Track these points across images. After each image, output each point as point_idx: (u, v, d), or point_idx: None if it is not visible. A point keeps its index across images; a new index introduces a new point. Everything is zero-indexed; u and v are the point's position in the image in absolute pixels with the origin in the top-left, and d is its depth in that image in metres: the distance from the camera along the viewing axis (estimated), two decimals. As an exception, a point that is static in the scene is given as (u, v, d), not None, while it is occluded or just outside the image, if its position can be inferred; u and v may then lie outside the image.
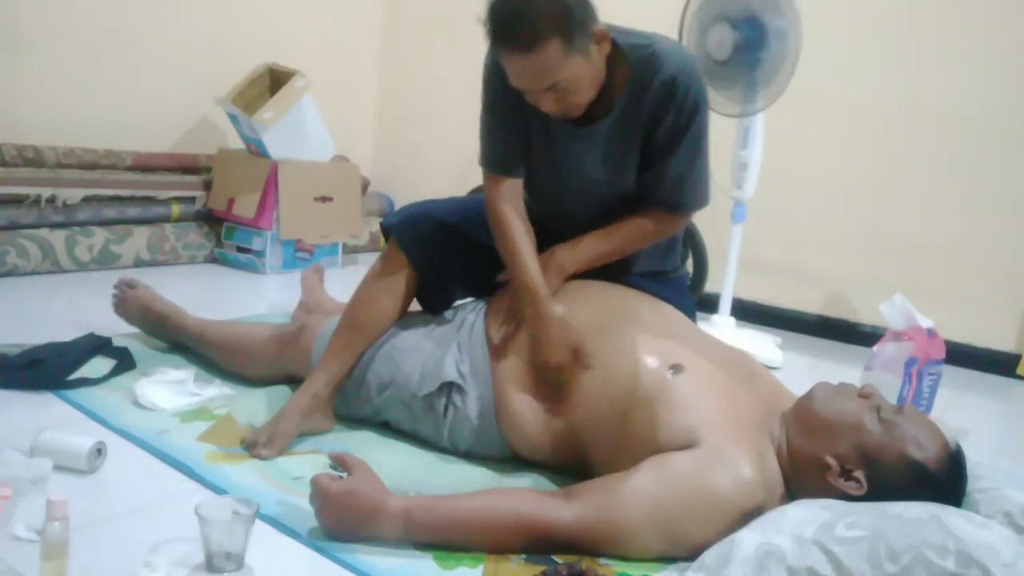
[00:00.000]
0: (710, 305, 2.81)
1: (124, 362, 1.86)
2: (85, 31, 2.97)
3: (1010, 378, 2.72)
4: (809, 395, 1.36)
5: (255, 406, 1.71)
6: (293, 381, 1.76)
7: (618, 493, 1.24)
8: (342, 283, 2.80)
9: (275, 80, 3.26)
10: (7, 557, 1.08)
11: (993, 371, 2.75)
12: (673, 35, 1.77)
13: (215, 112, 3.34)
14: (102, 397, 1.70)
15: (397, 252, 1.66)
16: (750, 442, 1.29)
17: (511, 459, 1.57)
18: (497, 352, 1.59)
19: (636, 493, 1.23)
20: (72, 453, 1.36)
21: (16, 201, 2.70)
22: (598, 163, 1.62)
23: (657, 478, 1.24)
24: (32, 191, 2.71)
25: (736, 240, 2.68)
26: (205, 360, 1.95)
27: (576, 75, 1.44)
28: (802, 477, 1.30)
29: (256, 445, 1.51)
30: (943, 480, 1.23)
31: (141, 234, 3.00)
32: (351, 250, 3.63)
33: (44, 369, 1.73)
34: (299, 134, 3.19)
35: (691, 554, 1.19)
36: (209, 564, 1.11)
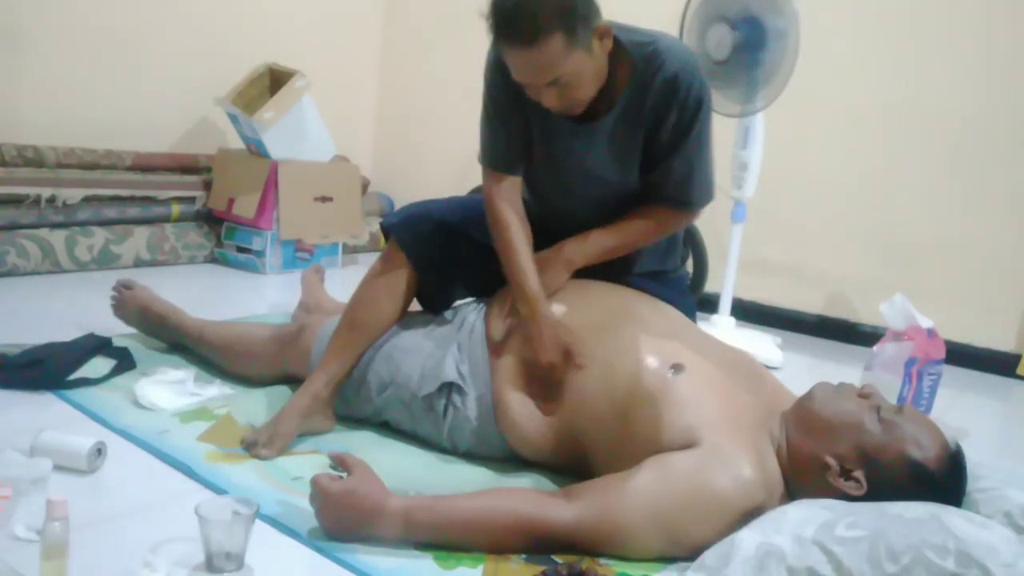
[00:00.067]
0: (710, 305, 2.81)
1: (124, 362, 1.86)
2: (85, 31, 2.97)
3: (1010, 378, 2.72)
4: (809, 395, 1.36)
5: (255, 406, 1.71)
6: (293, 381, 1.76)
7: (618, 493, 1.24)
8: (342, 283, 2.80)
9: (275, 80, 3.26)
10: (7, 557, 1.08)
11: (993, 371, 2.75)
12: (674, 34, 1.77)
13: (215, 112, 3.34)
14: (102, 397, 1.70)
15: (397, 252, 1.66)
16: (750, 442, 1.29)
17: (511, 459, 1.57)
18: (496, 352, 1.59)
19: (636, 493, 1.23)
20: (72, 453, 1.36)
21: (16, 201, 2.70)
22: (599, 160, 1.62)
23: (657, 478, 1.24)
24: (32, 191, 2.71)
25: (736, 240, 2.68)
26: (205, 360, 1.95)
27: (578, 70, 1.44)
28: (802, 477, 1.30)
29: (256, 445, 1.51)
30: (943, 480, 1.23)
31: (141, 234, 3.00)
32: (351, 250, 3.63)
33: (44, 369, 1.73)
34: (299, 134, 3.19)
35: (691, 554, 1.19)
36: (209, 564, 1.11)
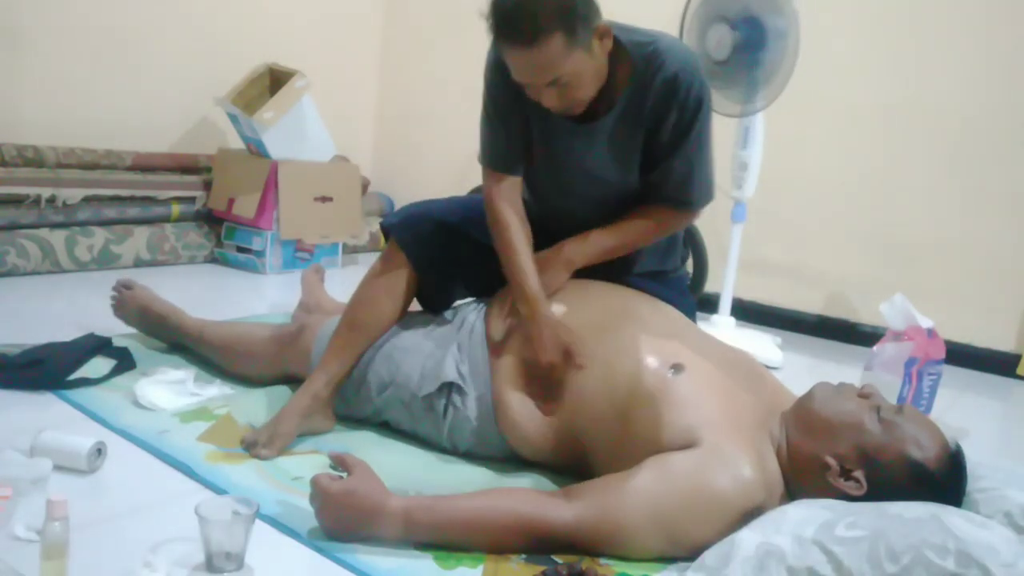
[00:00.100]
0: (710, 305, 2.81)
1: (124, 362, 1.86)
2: (85, 31, 2.97)
3: (1010, 378, 2.72)
4: (809, 395, 1.36)
5: (255, 406, 1.71)
6: (293, 381, 1.76)
7: (618, 493, 1.24)
8: (342, 283, 2.80)
9: (275, 80, 3.26)
10: (7, 557, 1.08)
11: (993, 371, 2.75)
12: (674, 34, 1.77)
13: (215, 112, 3.34)
14: (102, 397, 1.70)
15: (397, 252, 1.66)
16: (750, 442, 1.29)
17: (511, 459, 1.57)
18: (496, 352, 1.59)
19: (636, 493, 1.23)
20: (72, 453, 1.36)
21: (16, 201, 2.70)
22: (599, 160, 1.62)
23: (657, 478, 1.24)
24: (32, 191, 2.71)
25: (736, 240, 2.68)
26: (205, 360, 1.95)
27: (578, 70, 1.44)
28: (802, 477, 1.30)
29: (256, 445, 1.51)
30: (943, 480, 1.23)
31: (141, 234, 3.00)
32: (351, 250, 3.63)
33: (44, 369, 1.73)
34: (299, 134, 3.19)
35: (691, 554, 1.19)
36: (209, 564, 1.11)
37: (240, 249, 3.19)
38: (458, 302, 1.79)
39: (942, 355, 2.08)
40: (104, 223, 2.93)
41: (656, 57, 1.53)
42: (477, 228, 1.67)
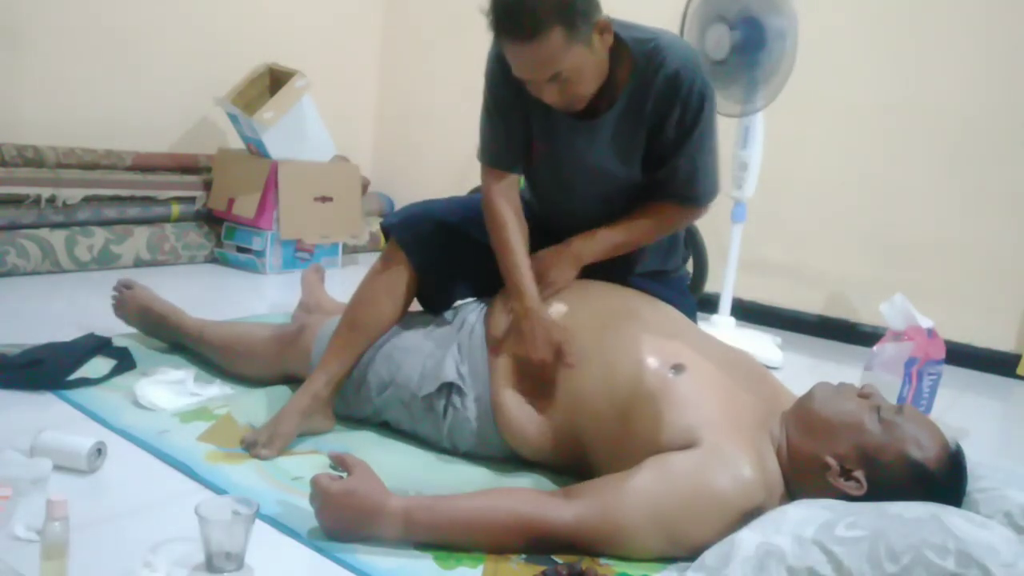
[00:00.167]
0: (710, 305, 2.81)
1: (124, 362, 1.86)
2: (85, 31, 2.97)
3: (1010, 378, 2.72)
4: (809, 395, 1.36)
5: (255, 406, 1.70)
6: (293, 381, 1.76)
7: (618, 493, 1.24)
8: (342, 283, 2.80)
9: (275, 80, 3.26)
10: (7, 557, 1.08)
11: (993, 371, 2.75)
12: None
13: (215, 112, 3.34)
14: (102, 397, 1.70)
15: (397, 252, 1.66)
16: (750, 442, 1.29)
17: (511, 459, 1.57)
18: (495, 352, 1.59)
19: (636, 493, 1.23)
20: (72, 453, 1.36)
21: (16, 201, 2.70)
22: (601, 157, 1.62)
23: (657, 478, 1.24)
24: (32, 191, 2.71)
25: (736, 240, 2.68)
26: (205, 360, 1.95)
27: (579, 65, 1.44)
28: (802, 477, 1.30)
29: (256, 445, 1.51)
30: (943, 480, 1.23)
31: (141, 234, 3.00)
32: (351, 250, 3.63)
33: (44, 369, 1.73)
34: (299, 134, 3.19)
35: (691, 554, 1.19)
36: (209, 564, 1.11)
37: (240, 249, 3.19)
38: (458, 302, 1.79)
39: (942, 355, 2.08)
40: (104, 223, 2.93)
41: (657, 54, 1.53)
42: (477, 228, 1.67)
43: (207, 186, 3.23)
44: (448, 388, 1.57)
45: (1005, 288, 2.73)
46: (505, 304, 1.63)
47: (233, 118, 3.20)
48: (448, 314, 1.73)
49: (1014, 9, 2.65)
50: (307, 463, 1.48)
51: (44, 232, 2.75)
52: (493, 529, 1.23)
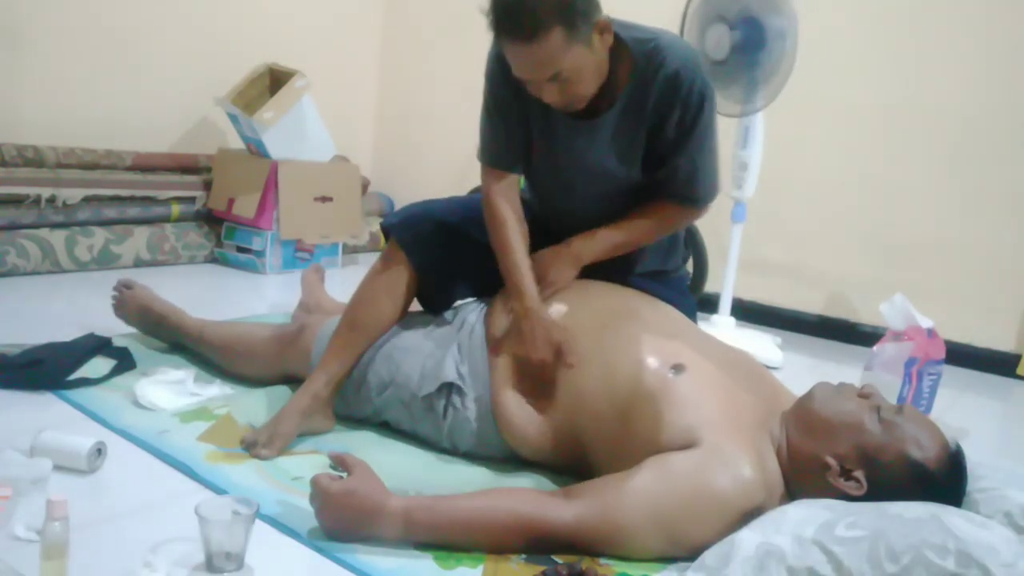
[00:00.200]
0: (710, 305, 2.81)
1: (124, 362, 1.86)
2: (85, 31, 2.97)
3: (1010, 378, 2.72)
4: (809, 395, 1.36)
5: (255, 406, 1.70)
6: (293, 381, 1.76)
7: (618, 493, 1.24)
8: (342, 283, 2.80)
9: (275, 80, 3.26)
10: (7, 557, 1.08)
11: (993, 371, 2.75)
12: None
13: (215, 112, 3.34)
14: (102, 397, 1.70)
15: (397, 252, 1.66)
16: (750, 442, 1.29)
17: (511, 459, 1.57)
18: (495, 352, 1.59)
19: (636, 493, 1.23)
20: (72, 453, 1.36)
21: (16, 201, 2.70)
22: (601, 157, 1.62)
23: (657, 478, 1.24)
24: (32, 191, 2.71)
25: (736, 240, 2.68)
26: (205, 360, 1.95)
27: (579, 65, 1.44)
28: (802, 477, 1.30)
29: (256, 445, 1.51)
30: (943, 480, 1.23)
31: (141, 234, 3.00)
32: (351, 250, 3.63)
33: (44, 369, 1.73)
34: (299, 134, 3.19)
35: (691, 554, 1.19)
36: (209, 564, 1.11)
37: (240, 249, 3.19)
38: (458, 302, 1.79)
39: (942, 355, 2.08)
40: (104, 223, 2.93)
41: (657, 54, 1.53)
42: (477, 228, 1.67)
43: (207, 186, 3.23)
44: (448, 388, 1.57)
45: (1005, 288, 2.73)
46: (505, 304, 1.63)
47: (233, 118, 3.20)
48: (448, 314, 1.73)
49: (1014, 9, 2.65)
50: (307, 463, 1.48)
51: (44, 232, 2.75)
52: (493, 529, 1.23)
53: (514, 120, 1.63)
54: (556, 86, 1.46)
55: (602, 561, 1.23)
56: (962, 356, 2.70)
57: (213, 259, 3.24)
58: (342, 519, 1.22)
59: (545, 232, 1.70)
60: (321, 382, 1.61)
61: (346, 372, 1.64)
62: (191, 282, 2.93)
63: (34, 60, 2.86)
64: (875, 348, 2.09)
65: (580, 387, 1.47)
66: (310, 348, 1.73)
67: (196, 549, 1.12)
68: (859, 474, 1.24)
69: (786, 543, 1.10)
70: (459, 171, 3.55)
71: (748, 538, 1.12)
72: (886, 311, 2.09)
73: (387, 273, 1.67)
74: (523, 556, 1.23)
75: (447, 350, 1.61)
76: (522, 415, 1.52)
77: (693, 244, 2.94)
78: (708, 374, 1.40)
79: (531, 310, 1.54)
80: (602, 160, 1.62)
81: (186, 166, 3.24)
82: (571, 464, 1.49)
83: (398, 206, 3.40)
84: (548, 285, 1.62)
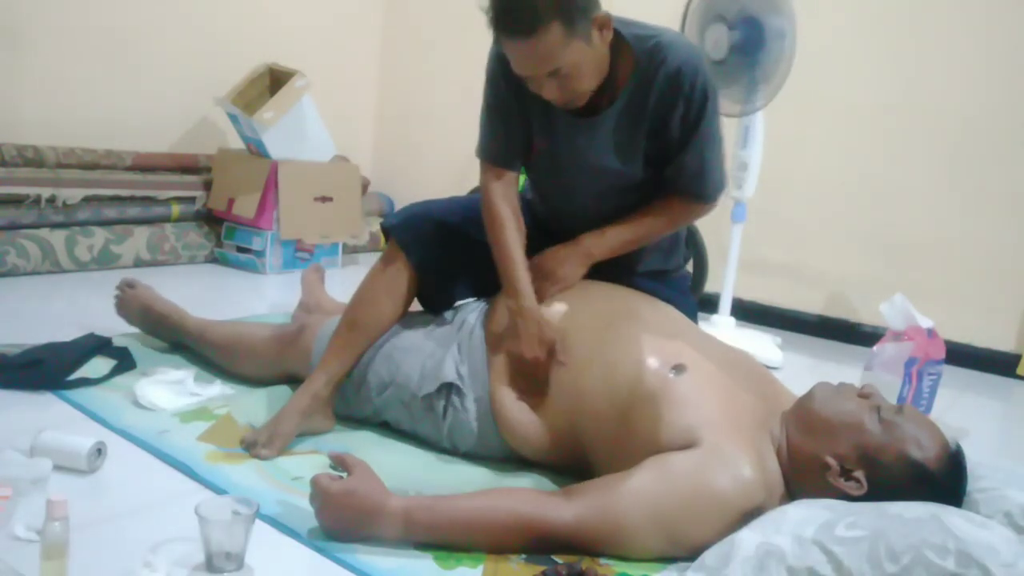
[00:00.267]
0: (710, 305, 2.81)
1: (124, 362, 1.86)
2: (85, 31, 2.97)
3: (1010, 378, 2.72)
4: (809, 395, 1.36)
5: (255, 406, 1.71)
6: (293, 381, 1.76)
7: (618, 493, 1.24)
8: (342, 283, 2.80)
9: (275, 80, 3.26)
10: (7, 557, 1.08)
11: (993, 371, 2.75)
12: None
13: (215, 112, 3.34)
14: (102, 397, 1.70)
15: (397, 252, 1.66)
16: (750, 442, 1.29)
17: (511, 459, 1.57)
18: (493, 351, 1.59)
19: (636, 493, 1.23)
20: (72, 453, 1.36)
21: (16, 201, 2.70)
22: (601, 155, 1.62)
23: (657, 478, 1.24)
24: (32, 191, 2.71)
25: (736, 240, 2.68)
26: (205, 360, 1.95)
27: (578, 60, 1.44)
28: (802, 477, 1.30)
29: (256, 445, 1.51)
30: (943, 480, 1.23)
31: (141, 234, 3.00)
32: (351, 250, 3.63)
33: (44, 369, 1.73)
34: (299, 134, 3.19)
35: (691, 554, 1.19)
36: (209, 564, 1.11)
37: (240, 249, 3.19)
38: (458, 302, 1.79)
39: (942, 355, 2.08)
40: (104, 223, 2.93)
41: (659, 51, 1.52)
42: (477, 228, 1.66)
43: (207, 186, 3.23)
44: (448, 388, 1.57)
45: (1005, 288, 2.73)
46: (504, 307, 1.63)
47: (233, 118, 3.20)
48: (448, 314, 1.73)
49: (1014, 9, 2.65)
50: (307, 463, 1.48)
51: (44, 232, 2.75)
52: (493, 529, 1.23)
53: (514, 119, 1.63)
54: (555, 82, 1.46)
55: (602, 561, 1.23)
56: (962, 356, 2.70)
57: (213, 259, 3.24)
58: (342, 519, 1.22)
59: (546, 232, 1.70)
60: (321, 382, 1.61)
61: (346, 372, 1.64)
62: (191, 282, 2.93)
63: (34, 60, 2.86)
64: (875, 348, 2.09)
65: (580, 387, 1.47)
66: (310, 348, 1.73)
67: (196, 549, 1.12)
68: (859, 474, 1.24)
69: (786, 543, 1.10)
70: (459, 171, 3.55)
71: (748, 538, 1.12)
72: (886, 311, 2.09)
73: (387, 273, 1.67)
74: (523, 556, 1.23)
75: (447, 350, 1.61)
76: (522, 415, 1.52)
77: (693, 244, 2.94)
78: (708, 374, 1.40)
79: (525, 308, 1.54)
80: (602, 158, 1.62)
81: (186, 166, 3.24)
82: (571, 464, 1.49)
83: (398, 206, 3.40)
84: (558, 282, 1.62)
